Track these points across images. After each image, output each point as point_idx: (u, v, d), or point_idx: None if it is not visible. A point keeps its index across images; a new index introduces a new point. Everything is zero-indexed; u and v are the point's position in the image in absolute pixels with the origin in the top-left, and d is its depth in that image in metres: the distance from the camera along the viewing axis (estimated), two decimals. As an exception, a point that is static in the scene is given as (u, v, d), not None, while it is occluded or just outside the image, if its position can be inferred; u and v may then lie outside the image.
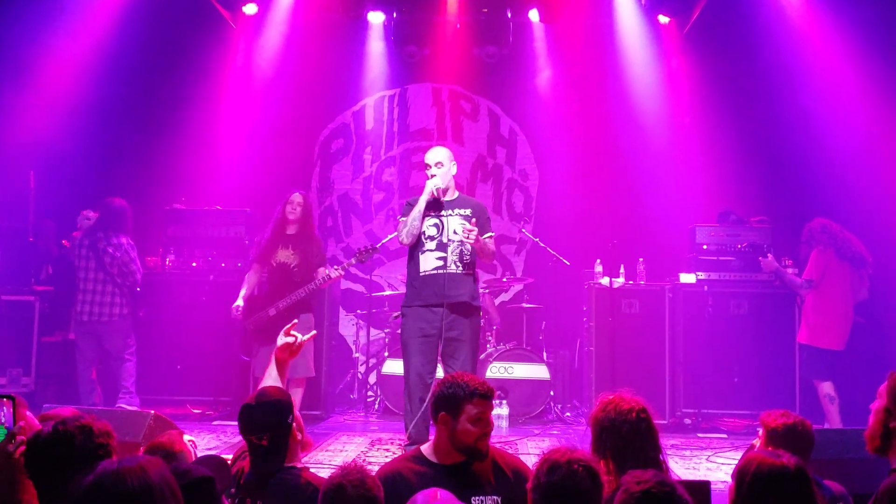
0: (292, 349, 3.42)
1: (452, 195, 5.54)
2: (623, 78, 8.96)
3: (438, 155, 5.53)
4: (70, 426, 2.37)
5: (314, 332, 4.04)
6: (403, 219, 5.49)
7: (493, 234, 5.57)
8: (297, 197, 6.55)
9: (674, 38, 8.74)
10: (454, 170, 5.59)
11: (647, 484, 2.19)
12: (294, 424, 2.97)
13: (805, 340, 6.94)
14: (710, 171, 8.32)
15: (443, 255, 5.37)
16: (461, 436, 3.05)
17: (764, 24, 7.95)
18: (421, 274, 5.41)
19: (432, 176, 5.45)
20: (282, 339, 3.41)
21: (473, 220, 5.33)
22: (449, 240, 5.38)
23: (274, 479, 2.88)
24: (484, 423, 3.06)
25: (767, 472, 2.35)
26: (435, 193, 5.39)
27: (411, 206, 5.47)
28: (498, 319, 8.32)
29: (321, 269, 6.43)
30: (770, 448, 3.20)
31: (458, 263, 5.38)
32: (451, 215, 5.43)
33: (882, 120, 7.40)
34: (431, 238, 5.42)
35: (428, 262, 5.41)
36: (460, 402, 3.05)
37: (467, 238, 5.21)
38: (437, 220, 5.42)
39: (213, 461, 3.22)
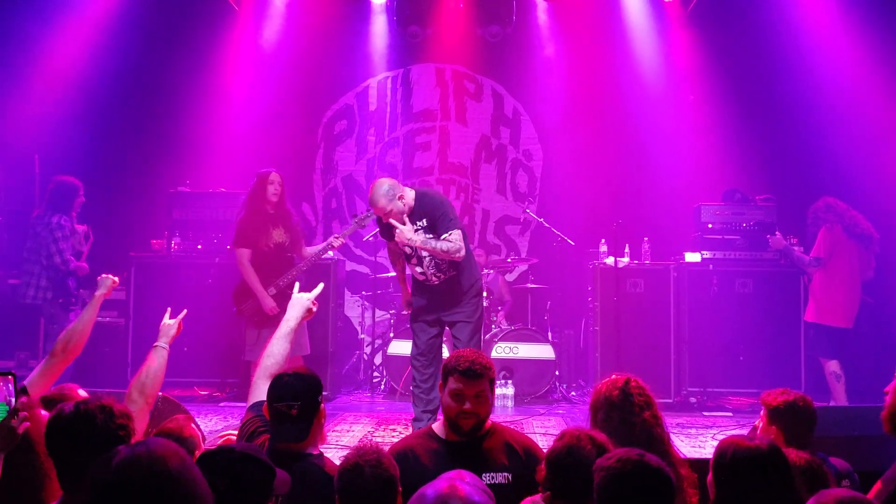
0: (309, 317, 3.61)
1: (411, 206, 5.29)
2: (627, 57, 8.92)
3: (380, 208, 5.22)
4: (91, 406, 2.37)
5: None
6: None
7: (452, 230, 5.18)
8: (275, 176, 6.47)
9: (678, 15, 8.70)
10: (399, 202, 5.21)
11: (619, 455, 2.23)
12: (323, 406, 2.96)
13: (812, 318, 6.93)
14: (715, 149, 8.31)
15: (421, 269, 5.36)
16: (445, 409, 3.13)
17: (766, 2, 7.90)
18: (416, 280, 5.51)
19: (388, 223, 5.26)
20: (307, 307, 3.54)
21: (424, 226, 5.24)
22: (422, 254, 5.31)
23: (295, 469, 2.73)
24: (461, 400, 3.06)
25: (742, 455, 2.36)
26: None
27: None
28: (509, 299, 8.35)
29: (332, 238, 6.40)
30: (773, 427, 3.23)
31: (438, 273, 5.32)
32: (416, 231, 5.25)
33: (888, 95, 7.37)
34: (409, 256, 5.45)
35: (414, 275, 5.48)
36: (446, 375, 3.13)
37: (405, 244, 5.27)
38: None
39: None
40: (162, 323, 3.75)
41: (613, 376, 3.12)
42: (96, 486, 1.76)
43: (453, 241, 5.19)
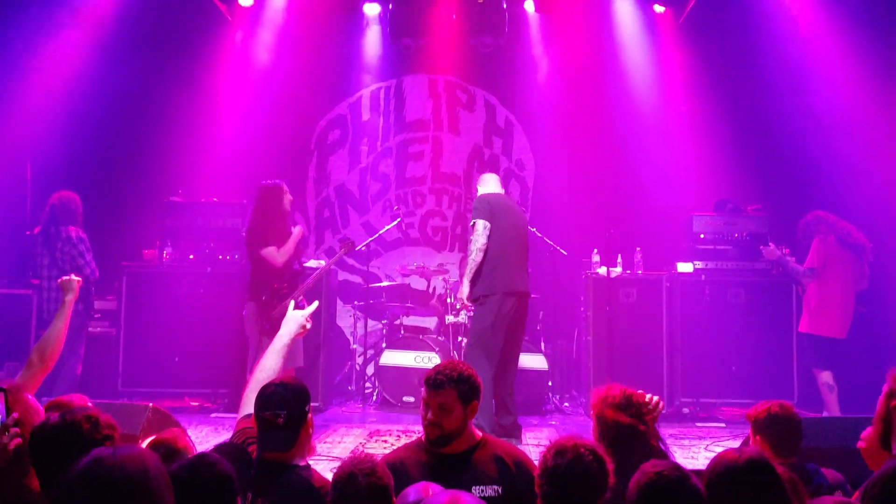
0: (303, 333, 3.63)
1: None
2: (619, 67, 8.95)
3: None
4: (78, 416, 2.38)
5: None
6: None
7: (480, 220, 6.06)
8: (286, 188, 6.54)
9: (669, 27, 8.72)
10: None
11: (661, 467, 2.27)
12: (310, 416, 2.95)
13: (806, 329, 6.94)
14: (707, 160, 8.32)
15: None
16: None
17: (758, 12, 7.93)
18: None
19: None
20: (302, 324, 3.55)
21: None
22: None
23: (282, 480, 2.78)
24: (426, 410, 3.07)
25: (722, 469, 2.38)
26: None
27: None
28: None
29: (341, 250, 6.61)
30: (758, 438, 3.23)
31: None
32: None
33: (878, 107, 7.40)
34: None
35: None
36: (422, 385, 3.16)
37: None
38: None
39: (237, 453, 3.12)
40: (62, 280, 3.96)
41: (614, 385, 3.09)
42: (62, 485, 1.88)
43: (474, 238, 6.02)
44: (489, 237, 6.00)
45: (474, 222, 6.05)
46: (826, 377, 6.75)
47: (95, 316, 7.59)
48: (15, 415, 2.63)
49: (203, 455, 2.37)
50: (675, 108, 8.76)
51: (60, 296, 6.54)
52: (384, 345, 7.81)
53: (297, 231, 6.47)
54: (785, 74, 8.02)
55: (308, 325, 3.61)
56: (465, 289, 6.09)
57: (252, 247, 6.38)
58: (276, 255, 6.30)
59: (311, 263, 6.44)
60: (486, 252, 5.99)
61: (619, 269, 7.40)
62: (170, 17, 8.49)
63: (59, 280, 4.03)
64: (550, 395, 7.67)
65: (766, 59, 8.20)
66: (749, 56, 8.35)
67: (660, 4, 8.29)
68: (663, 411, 2.99)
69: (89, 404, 3.08)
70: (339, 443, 6.00)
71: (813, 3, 7.59)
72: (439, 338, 7.82)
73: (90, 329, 7.28)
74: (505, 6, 8.58)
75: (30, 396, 2.83)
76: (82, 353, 6.82)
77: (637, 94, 8.87)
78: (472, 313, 5.84)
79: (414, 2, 8.60)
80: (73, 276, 4.01)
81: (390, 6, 8.72)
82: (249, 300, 6.38)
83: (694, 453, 5.76)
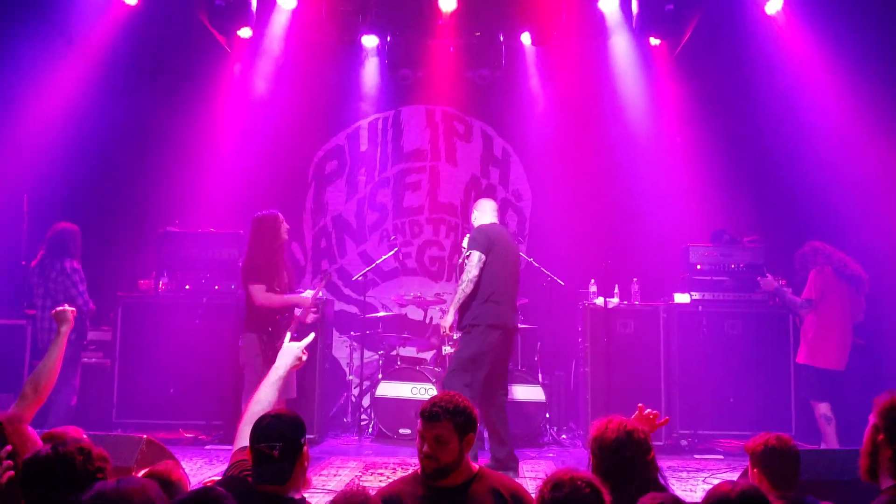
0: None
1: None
2: (615, 99, 9.01)
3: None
4: (70, 447, 2.36)
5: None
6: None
7: (476, 252, 6.08)
8: (282, 218, 6.51)
9: (665, 59, 8.79)
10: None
11: (659, 500, 2.29)
12: (306, 448, 2.93)
13: (804, 360, 6.92)
14: (703, 191, 8.36)
15: None
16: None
17: (753, 44, 8.01)
18: None
19: None
20: (298, 356, 3.55)
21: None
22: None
23: None
24: (422, 442, 3.05)
25: (716, 501, 2.38)
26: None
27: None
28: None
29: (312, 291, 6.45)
30: (756, 471, 3.21)
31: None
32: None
33: (872, 138, 7.44)
34: None
35: None
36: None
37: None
38: None
39: (242, 486, 2.98)
40: (56, 311, 3.92)
41: (614, 419, 3.07)
42: None
43: (468, 269, 6.05)
44: (483, 269, 6.00)
45: (470, 253, 6.06)
46: (824, 409, 6.72)
47: (90, 347, 7.57)
48: (8, 447, 2.62)
49: (209, 489, 2.35)
50: (670, 140, 8.82)
51: (55, 326, 6.58)
52: (380, 376, 7.76)
53: (298, 310, 6.31)
54: (780, 105, 8.09)
55: (304, 357, 3.61)
56: (449, 317, 6.15)
57: (244, 279, 6.36)
58: (261, 295, 6.16)
59: (308, 293, 6.40)
60: (477, 284, 5.99)
61: (616, 300, 7.40)
62: (168, 49, 8.56)
63: (53, 311, 3.99)
64: (548, 427, 7.62)
65: (760, 91, 8.28)
66: (744, 87, 8.43)
67: (655, 37, 8.35)
68: (660, 443, 2.97)
69: (83, 436, 3.06)
70: (335, 476, 5.95)
71: (807, 36, 7.66)
72: (436, 369, 7.78)
73: (85, 360, 7.26)
74: (502, 39, 8.66)
75: (29, 428, 2.81)
76: (77, 385, 6.78)
77: (633, 125, 8.93)
78: (454, 343, 5.87)
79: (412, 34, 8.67)
80: (66, 307, 3.97)
81: (388, 38, 8.79)
82: (246, 331, 6.33)
83: (692, 486, 5.72)
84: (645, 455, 2.94)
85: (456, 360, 5.95)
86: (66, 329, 3.90)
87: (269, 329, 6.16)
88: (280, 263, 6.40)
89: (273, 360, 3.55)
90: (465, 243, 6.28)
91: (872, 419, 2.87)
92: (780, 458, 3.19)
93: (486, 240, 6.08)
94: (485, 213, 6.38)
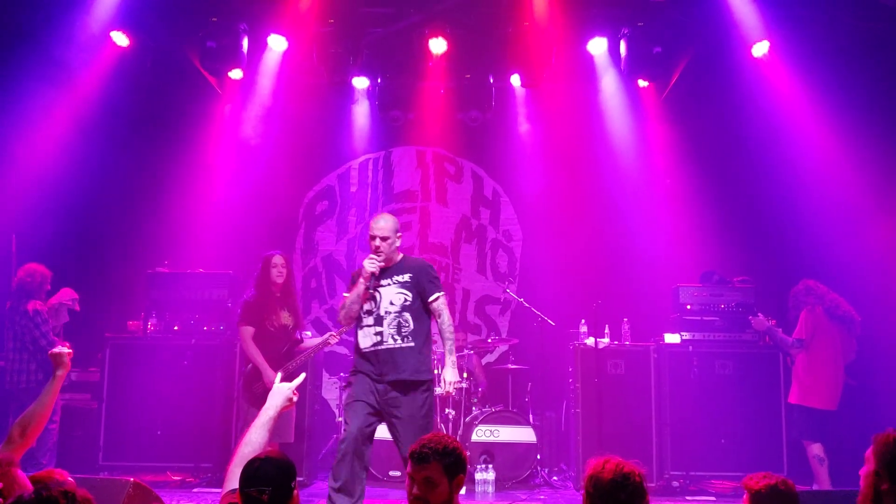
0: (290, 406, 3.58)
1: (395, 260, 5.28)
2: (604, 140, 9.08)
3: (385, 228, 5.21)
4: (54, 492, 2.34)
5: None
6: (347, 294, 5.28)
7: (439, 294, 5.21)
8: (279, 259, 6.52)
9: (653, 101, 8.89)
10: (398, 242, 5.28)
11: None
12: (296, 492, 2.90)
13: (796, 400, 6.91)
14: (693, 231, 8.41)
15: (379, 329, 5.12)
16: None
17: (740, 88, 8.10)
18: (362, 351, 5.18)
19: (376, 248, 5.18)
20: (288, 397, 3.52)
21: (406, 282, 5.17)
22: (385, 312, 5.13)
23: None
24: (411, 484, 3.03)
25: None
26: (375, 272, 5.17)
27: (354, 280, 5.26)
28: (484, 381, 8.27)
29: (328, 334, 6.43)
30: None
31: (397, 336, 5.10)
32: (388, 285, 5.18)
33: (860, 178, 7.52)
34: (368, 313, 5.18)
35: (366, 339, 5.17)
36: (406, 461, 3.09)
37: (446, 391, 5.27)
38: (373, 293, 5.16)
39: None
40: (52, 353, 3.83)
41: (612, 459, 3.04)
42: None
43: (445, 318, 5.22)
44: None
45: (438, 296, 5.25)
46: (817, 449, 6.70)
47: (76, 388, 7.49)
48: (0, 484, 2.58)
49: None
50: (660, 180, 8.89)
51: (25, 368, 6.57)
52: (371, 417, 7.68)
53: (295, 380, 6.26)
54: (768, 146, 8.17)
55: (295, 399, 3.59)
56: (452, 373, 5.30)
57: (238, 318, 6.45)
58: (246, 338, 6.34)
59: (308, 339, 6.45)
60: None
61: (606, 340, 7.40)
62: (159, 90, 8.59)
63: (50, 352, 3.89)
64: (539, 468, 7.55)
65: (748, 132, 8.37)
66: (732, 129, 8.52)
67: (644, 79, 8.45)
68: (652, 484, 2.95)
69: (68, 479, 3.02)
70: (324, 519, 5.86)
71: (794, 78, 7.76)
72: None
73: (70, 402, 7.18)
74: (492, 81, 8.75)
75: (19, 471, 2.77)
76: (56, 424, 6.73)
77: (622, 166, 9.00)
78: (415, 402, 5.07)
79: (402, 76, 8.75)
80: (62, 349, 3.84)
81: (379, 80, 8.87)
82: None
83: (685, 528, 5.66)
84: (640, 499, 2.91)
85: (415, 421, 5.13)
86: (61, 373, 3.78)
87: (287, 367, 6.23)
88: (273, 303, 6.41)
89: (262, 402, 3.53)
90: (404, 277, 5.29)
91: (872, 465, 2.85)
92: (783, 502, 3.17)
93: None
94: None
